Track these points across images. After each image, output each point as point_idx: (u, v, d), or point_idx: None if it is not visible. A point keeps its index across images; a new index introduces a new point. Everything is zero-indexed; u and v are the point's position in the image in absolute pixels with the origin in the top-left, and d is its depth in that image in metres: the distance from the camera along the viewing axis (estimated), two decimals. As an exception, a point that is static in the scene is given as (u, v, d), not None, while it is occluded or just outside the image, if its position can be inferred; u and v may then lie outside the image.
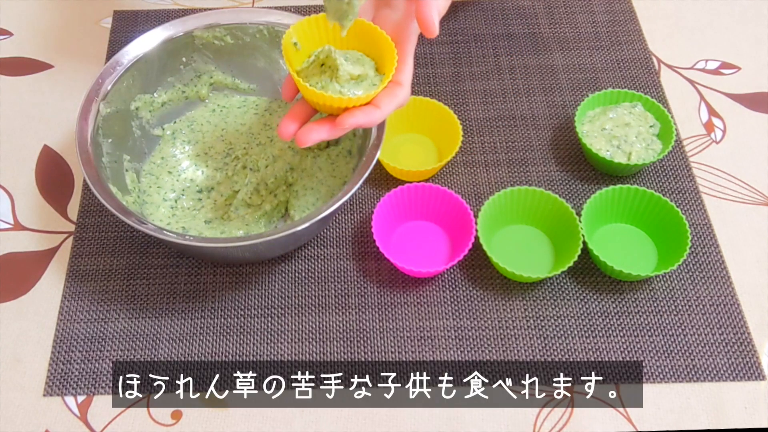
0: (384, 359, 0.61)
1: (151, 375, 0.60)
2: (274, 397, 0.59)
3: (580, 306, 0.64)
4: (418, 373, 0.60)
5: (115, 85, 0.65)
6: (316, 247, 0.67)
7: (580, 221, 0.64)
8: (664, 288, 0.64)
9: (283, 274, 0.65)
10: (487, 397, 0.59)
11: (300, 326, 0.63)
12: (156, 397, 0.59)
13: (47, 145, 0.74)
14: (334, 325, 0.63)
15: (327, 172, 0.68)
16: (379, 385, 0.60)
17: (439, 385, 0.60)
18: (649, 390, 0.60)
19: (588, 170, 0.72)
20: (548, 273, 0.62)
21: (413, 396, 0.59)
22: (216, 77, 0.72)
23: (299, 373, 0.60)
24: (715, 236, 0.68)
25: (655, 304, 0.64)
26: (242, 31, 0.69)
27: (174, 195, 0.68)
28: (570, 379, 0.60)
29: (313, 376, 0.60)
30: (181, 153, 0.71)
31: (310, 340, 0.62)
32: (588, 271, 0.65)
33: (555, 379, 0.60)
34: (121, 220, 0.68)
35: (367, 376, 0.60)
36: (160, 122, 0.71)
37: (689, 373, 0.60)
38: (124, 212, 0.57)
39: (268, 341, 0.62)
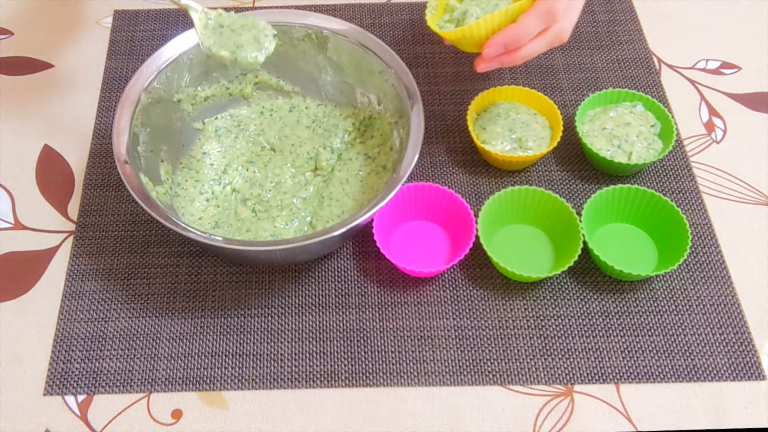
0: (384, 359, 0.61)
1: (150, 374, 0.60)
2: (274, 397, 0.59)
3: (580, 306, 0.64)
4: (417, 373, 0.60)
5: (158, 76, 0.65)
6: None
7: (580, 221, 0.64)
8: (664, 288, 0.64)
9: (284, 274, 0.65)
10: (487, 397, 0.59)
11: (300, 326, 0.63)
12: (156, 396, 0.59)
13: (47, 144, 0.74)
14: (334, 325, 0.63)
15: (356, 186, 0.68)
16: (378, 385, 0.60)
17: (439, 386, 0.60)
18: (649, 390, 0.60)
19: (588, 170, 0.72)
20: (548, 273, 0.62)
21: (413, 396, 0.59)
22: (261, 77, 0.72)
23: (299, 372, 0.60)
24: (716, 236, 0.68)
25: (655, 304, 0.64)
26: (291, 33, 0.69)
27: (210, 190, 0.68)
28: (570, 379, 0.60)
29: (313, 376, 0.60)
30: (221, 150, 0.71)
31: (310, 339, 0.62)
32: (588, 271, 0.65)
33: (555, 379, 0.60)
34: (120, 220, 0.68)
35: (367, 375, 0.60)
36: (201, 116, 0.71)
37: (689, 373, 0.60)
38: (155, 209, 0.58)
39: (268, 341, 0.62)
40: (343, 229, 0.56)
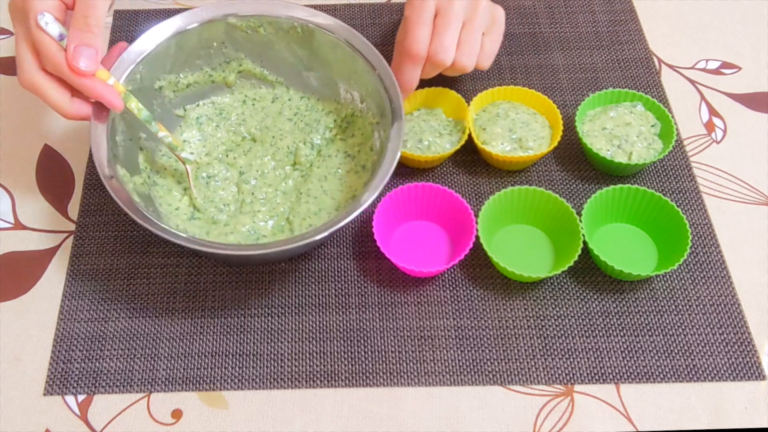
0: (384, 359, 0.61)
1: (150, 374, 0.60)
2: (274, 397, 0.59)
3: (580, 306, 0.64)
4: (417, 373, 0.60)
5: (140, 64, 0.65)
6: (316, 247, 0.67)
7: (580, 221, 0.64)
8: (664, 288, 0.64)
9: (283, 274, 0.65)
10: (486, 397, 0.59)
11: (300, 326, 0.63)
12: (156, 396, 0.59)
13: (48, 144, 0.74)
14: (334, 325, 0.63)
15: (334, 184, 0.67)
16: (379, 385, 0.60)
17: (439, 386, 0.60)
18: (649, 390, 0.60)
19: (588, 170, 0.72)
20: (548, 273, 0.62)
21: (413, 396, 0.59)
22: (245, 66, 0.72)
23: (299, 372, 0.60)
24: (716, 236, 0.68)
25: (655, 304, 0.64)
26: (276, 24, 0.69)
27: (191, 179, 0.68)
28: (570, 379, 0.60)
29: (313, 376, 0.60)
30: (201, 139, 0.71)
31: (310, 339, 0.62)
32: (588, 271, 0.65)
33: (555, 379, 0.60)
34: (120, 220, 0.68)
35: (367, 375, 0.60)
36: (182, 103, 0.71)
37: (689, 373, 0.60)
38: (129, 205, 0.58)
39: (268, 341, 0.62)
40: (326, 233, 0.56)
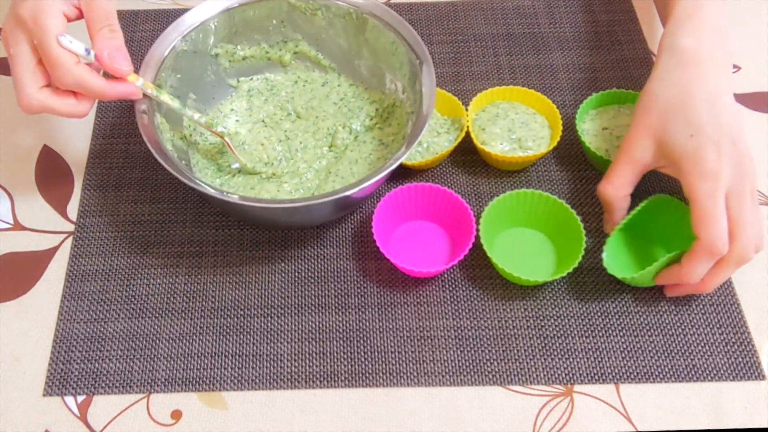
0: (384, 359, 0.61)
1: (150, 375, 0.60)
2: (274, 397, 0.59)
3: (580, 306, 0.64)
4: (417, 374, 0.60)
5: (199, 27, 0.68)
6: (316, 247, 0.67)
7: (582, 225, 0.64)
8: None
9: (283, 274, 0.65)
10: (487, 397, 0.59)
11: (300, 326, 0.63)
12: (155, 397, 0.59)
13: (47, 145, 0.74)
14: (334, 325, 0.63)
15: (363, 168, 0.69)
16: (378, 385, 0.60)
17: (439, 386, 0.60)
18: (649, 390, 0.60)
19: (588, 170, 0.72)
20: (550, 277, 0.62)
21: (413, 396, 0.59)
22: (301, 47, 0.74)
23: (299, 372, 0.60)
24: (715, 236, 0.67)
25: (655, 304, 0.64)
26: (333, 9, 0.70)
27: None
28: (570, 379, 0.60)
29: (312, 376, 0.60)
30: (249, 108, 0.73)
31: (310, 340, 0.62)
32: (588, 272, 0.65)
33: (555, 379, 0.60)
34: (120, 220, 0.69)
35: (367, 376, 0.60)
36: (237, 74, 0.74)
37: (689, 373, 0.60)
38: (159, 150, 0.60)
39: (268, 341, 0.62)
40: (338, 196, 0.57)
